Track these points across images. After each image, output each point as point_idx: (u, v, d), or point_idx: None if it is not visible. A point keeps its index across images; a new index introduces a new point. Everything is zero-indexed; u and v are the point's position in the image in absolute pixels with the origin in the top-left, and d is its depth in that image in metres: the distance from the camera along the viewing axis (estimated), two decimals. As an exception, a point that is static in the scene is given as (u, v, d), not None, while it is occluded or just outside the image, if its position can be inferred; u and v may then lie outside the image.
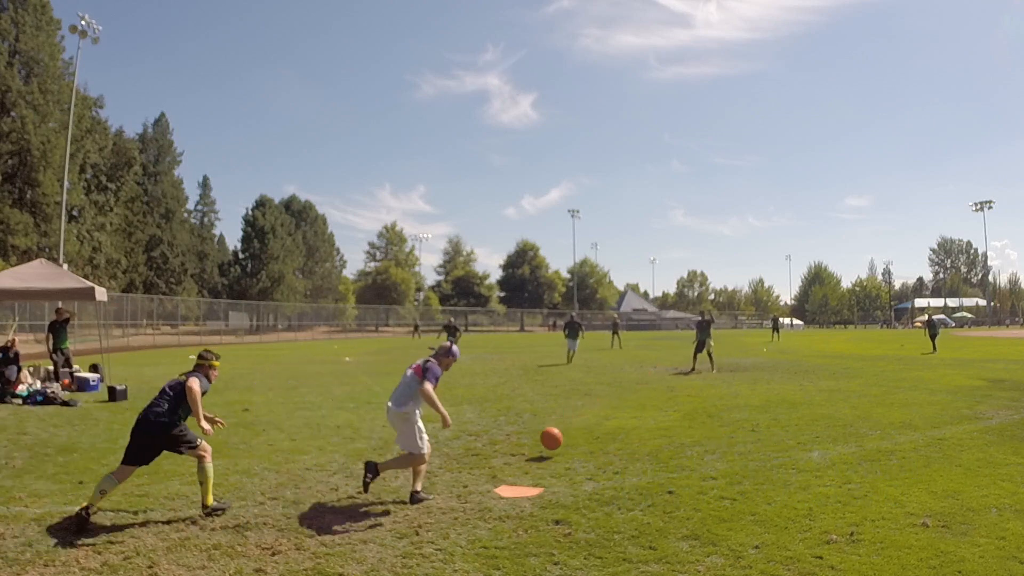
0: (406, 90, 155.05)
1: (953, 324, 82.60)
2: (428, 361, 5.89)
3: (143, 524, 5.04)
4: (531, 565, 4.22)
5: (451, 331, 24.27)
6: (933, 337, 25.92)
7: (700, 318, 18.75)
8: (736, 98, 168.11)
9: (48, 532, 4.84)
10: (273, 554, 4.43)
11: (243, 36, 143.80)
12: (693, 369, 17.60)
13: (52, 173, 44.22)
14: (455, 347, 6.19)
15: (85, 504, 5.06)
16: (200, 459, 5.42)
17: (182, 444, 5.38)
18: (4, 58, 42.97)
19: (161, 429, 5.32)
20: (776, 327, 39.05)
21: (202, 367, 5.74)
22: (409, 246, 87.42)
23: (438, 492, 5.93)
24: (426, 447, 5.78)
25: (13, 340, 12.85)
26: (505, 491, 5.94)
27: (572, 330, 21.68)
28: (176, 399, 5.46)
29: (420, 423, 5.78)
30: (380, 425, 9.49)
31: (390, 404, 5.81)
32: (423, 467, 5.80)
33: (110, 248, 52.08)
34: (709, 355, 17.78)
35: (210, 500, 5.36)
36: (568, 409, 10.95)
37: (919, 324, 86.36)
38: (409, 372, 5.89)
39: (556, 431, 7.48)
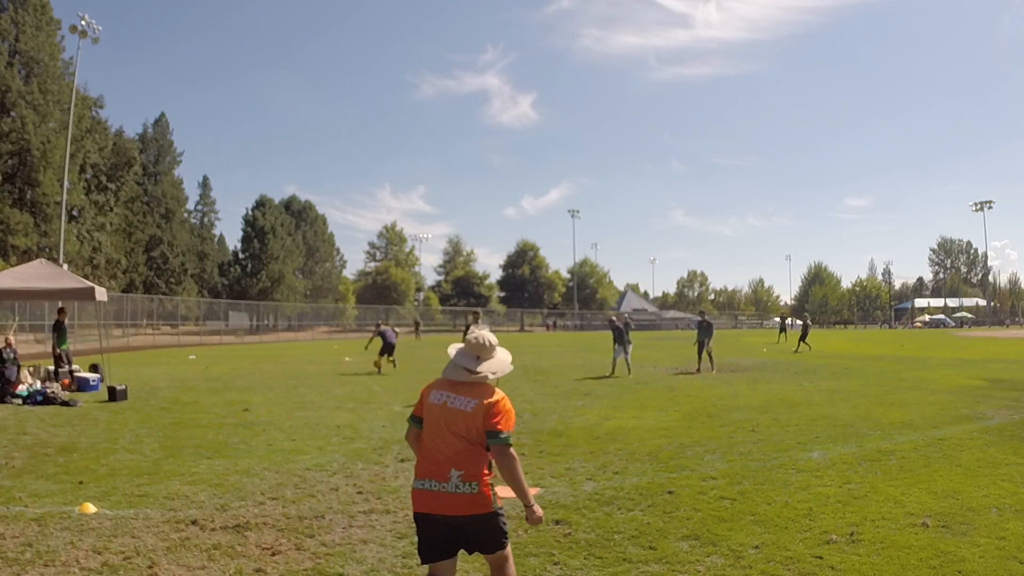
0: (406, 90, 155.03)
1: (953, 324, 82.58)
2: None
3: (143, 524, 5.03)
4: (531, 565, 4.22)
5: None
6: (802, 338, 25.93)
7: (700, 318, 18.81)
8: (736, 98, 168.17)
9: (48, 532, 4.84)
10: (273, 554, 4.42)
11: (243, 36, 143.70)
12: (699, 369, 17.64)
13: (52, 173, 44.18)
14: None
15: None
16: None
17: None
18: (4, 58, 42.94)
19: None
20: (783, 327, 38.31)
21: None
22: (409, 246, 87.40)
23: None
24: None
25: (8, 340, 12.87)
26: (501, 491, 5.92)
27: (621, 335, 17.19)
28: None
29: None
30: (380, 425, 9.49)
31: None
32: None
33: (110, 248, 52.02)
34: (709, 355, 17.83)
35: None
36: (568, 409, 10.95)
37: (919, 324, 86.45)
38: None
39: None
